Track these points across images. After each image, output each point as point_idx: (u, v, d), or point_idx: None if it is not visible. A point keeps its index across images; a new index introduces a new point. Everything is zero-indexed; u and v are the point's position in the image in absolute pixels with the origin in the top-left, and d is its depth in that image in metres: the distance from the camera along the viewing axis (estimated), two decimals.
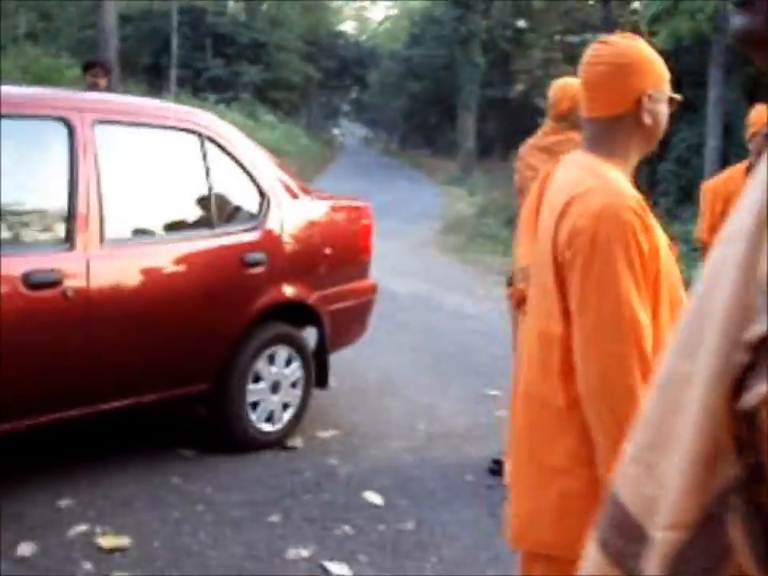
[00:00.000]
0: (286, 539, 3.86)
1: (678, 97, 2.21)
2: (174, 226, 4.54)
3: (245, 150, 4.81)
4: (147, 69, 26.42)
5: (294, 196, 5.05)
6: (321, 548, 3.80)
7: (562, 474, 2.10)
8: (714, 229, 4.46)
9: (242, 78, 26.44)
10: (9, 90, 4.07)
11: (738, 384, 1.02)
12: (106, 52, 18.31)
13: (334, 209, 5.47)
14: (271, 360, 4.88)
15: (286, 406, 4.99)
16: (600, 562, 1.28)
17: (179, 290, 4.39)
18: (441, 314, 9.47)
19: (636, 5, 23.44)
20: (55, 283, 3.85)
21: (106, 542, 3.69)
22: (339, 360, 5.73)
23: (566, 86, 4.69)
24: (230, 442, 4.79)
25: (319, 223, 5.21)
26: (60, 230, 4.01)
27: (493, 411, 5.90)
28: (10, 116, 3.86)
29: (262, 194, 4.83)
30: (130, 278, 4.21)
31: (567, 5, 28.30)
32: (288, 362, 4.98)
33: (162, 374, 4.41)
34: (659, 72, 2.16)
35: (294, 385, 5.02)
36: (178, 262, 4.44)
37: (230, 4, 34.34)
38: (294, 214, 5.01)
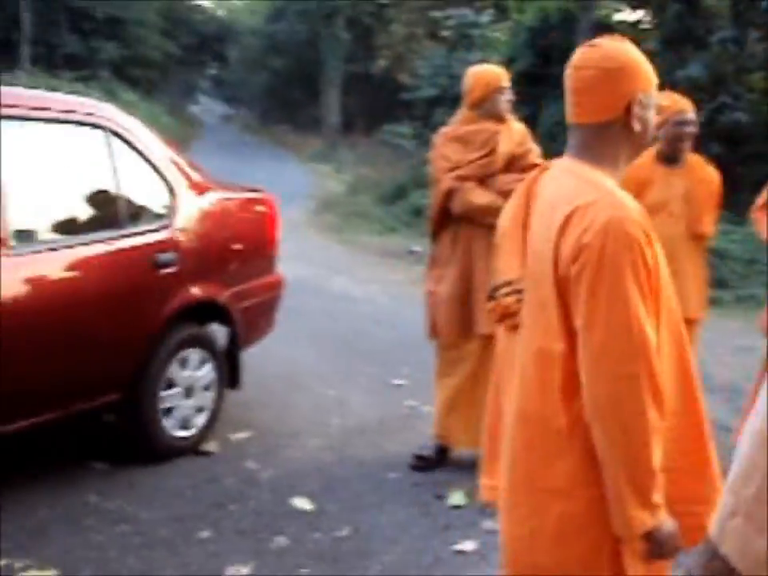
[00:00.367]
0: (221, 557, 3.67)
1: (665, 103, 2.15)
2: (79, 228, 4.21)
3: (151, 145, 4.53)
4: None
5: (201, 191, 4.81)
6: (260, 563, 3.63)
7: (562, 497, 2.03)
8: None
9: (100, 54, 25.33)
10: None
11: None
12: None
13: (240, 202, 5.25)
14: (183, 363, 4.65)
15: (199, 410, 4.77)
16: None
17: (85, 296, 4.08)
18: (330, 299, 9.35)
19: None
20: None
21: None
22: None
23: (478, 74, 4.62)
24: (144, 452, 4.55)
25: (227, 218, 5.00)
26: None
27: (401, 401, 5.86)
28: None
29: (170, 190, 4.58)
30: (32, 283, 3.87)
31: None
32: (200, 364, 4.76)
33: (68, 388, 4.09)
34: (648, 76, 2.09)
35: (207, 387, 4.81)
36: (84, 265, 4.13)
37: None
38: (203, 210, 4.77)
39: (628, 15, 19.53)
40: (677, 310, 2.07)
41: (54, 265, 4.00)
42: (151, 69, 29.16)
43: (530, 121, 8.60)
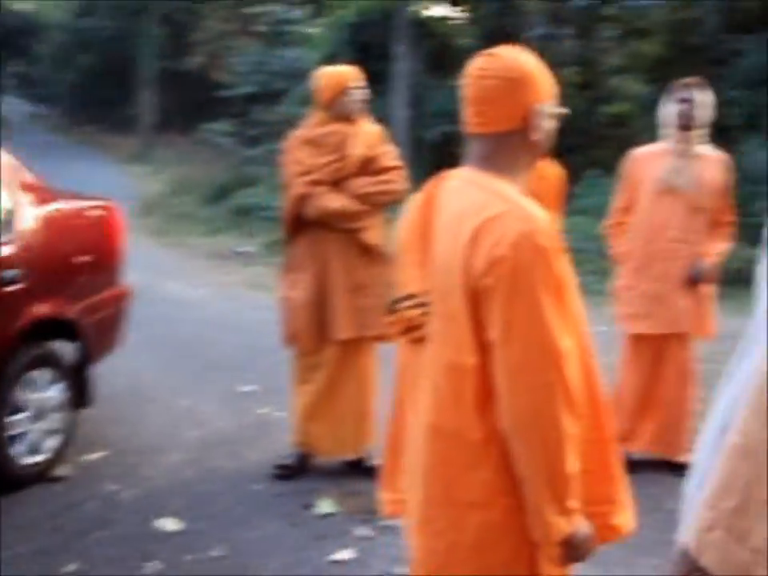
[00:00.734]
0: None
1: (564, 111, 2.19)
2: None
3: None
4: None
5: (43, 202, 4.55)
6: None
7: (480, 508, 2.04)
8: None
9: None
10: None
11: None
12: None
13: (83, 212, 5.01)
14: (31, 384, 4.39)
15: (51, 433, 4.52)
16: None
17: None
18: (165, 305, 9.08)
19: None
20: None
21: None
22: None
23: (327, 75, 4.58)
24: None
25: (70, 230, 4.75)
26: None
27: (253, 409, 5.76)
28: None
29: (10, 203, 4.30)
30: None
31: None
32: (49, 384, 4.51)
33: None
34: (547, 86, 2.11)
35: (57, 409, 4.56)
36: None
37: None
38: (45, 223, 4.51)
39: (443, 11, 19.91)
40: (582, 316, 2.11)
41: None
42: None
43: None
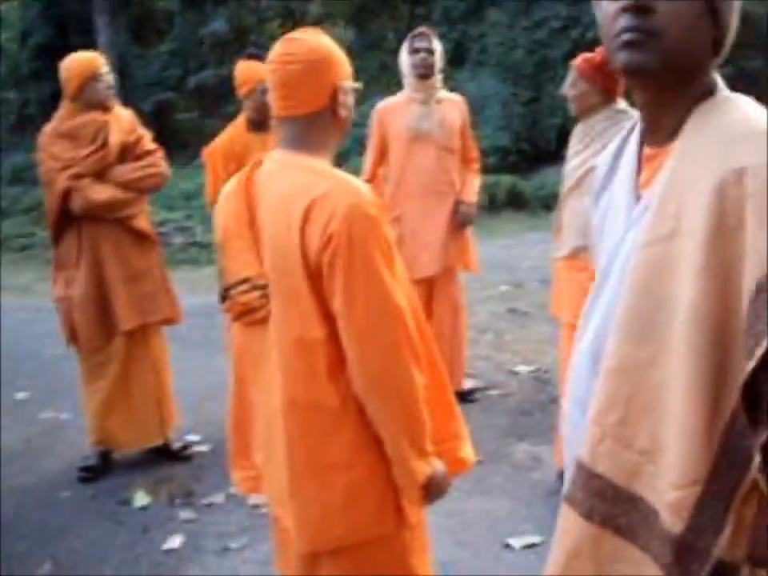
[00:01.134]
0: None
1: (358, 86, 2.30)
2: None
3: None
4: None
5: None
6: None
7: (345, 469, 2.16)
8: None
9: None
10: None
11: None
12: None
13: None
14: None
15: None
16: (585, 528, 1.46)
17: None
18: None
19: None
20: None
21: None
22: None
23: (70, 63, 4.34)
24: None
25: None
26: None
27: (35, 415, 5.55)
28: None
29: None
30: None
31: None
32: None
33: None
34: (346, 64, 2.22)
35: None
36: None
37: None
38: None
39: None
40: (406, 274, 2.26)
41: None
42: None
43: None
